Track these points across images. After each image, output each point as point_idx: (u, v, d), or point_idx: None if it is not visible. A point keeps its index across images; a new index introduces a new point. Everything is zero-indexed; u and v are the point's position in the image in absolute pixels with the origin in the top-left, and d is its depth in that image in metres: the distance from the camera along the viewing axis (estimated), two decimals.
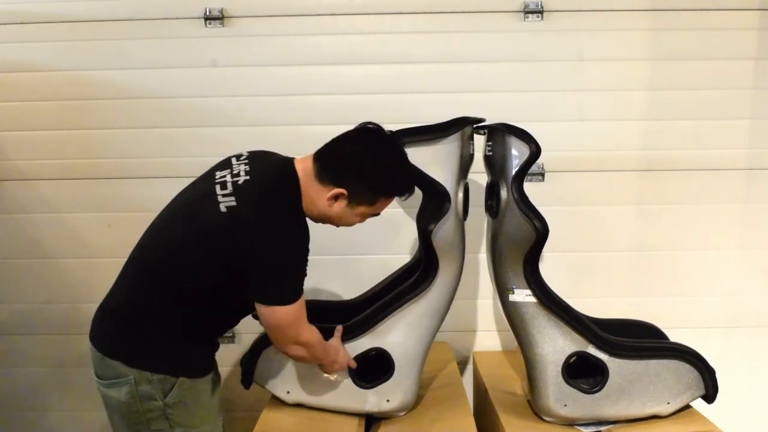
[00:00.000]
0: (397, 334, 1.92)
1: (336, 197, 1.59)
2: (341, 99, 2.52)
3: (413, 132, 1.85)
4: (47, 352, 2.65)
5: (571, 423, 1.96)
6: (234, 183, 1.55)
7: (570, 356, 1.92)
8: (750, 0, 2.46)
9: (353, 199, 1.60)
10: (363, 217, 1.68)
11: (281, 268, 1.54)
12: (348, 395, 1.94)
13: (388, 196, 1.66)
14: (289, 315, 1.58)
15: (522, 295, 1.92)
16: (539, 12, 2.46)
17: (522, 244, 1.88)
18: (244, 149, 1.76)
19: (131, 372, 1.53)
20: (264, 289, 1.54)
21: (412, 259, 2.20)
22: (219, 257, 1.51)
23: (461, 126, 1.87)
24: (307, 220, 1.63)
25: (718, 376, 1.97)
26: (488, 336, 2.65)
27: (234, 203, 1.51)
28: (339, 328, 1.89)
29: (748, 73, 2.50)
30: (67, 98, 2.52)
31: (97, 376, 1.60)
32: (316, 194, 1.60)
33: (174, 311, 1.56)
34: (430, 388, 2.16)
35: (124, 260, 2.57)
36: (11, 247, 2.60)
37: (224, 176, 1.59)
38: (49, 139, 2.54)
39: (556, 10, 2.47)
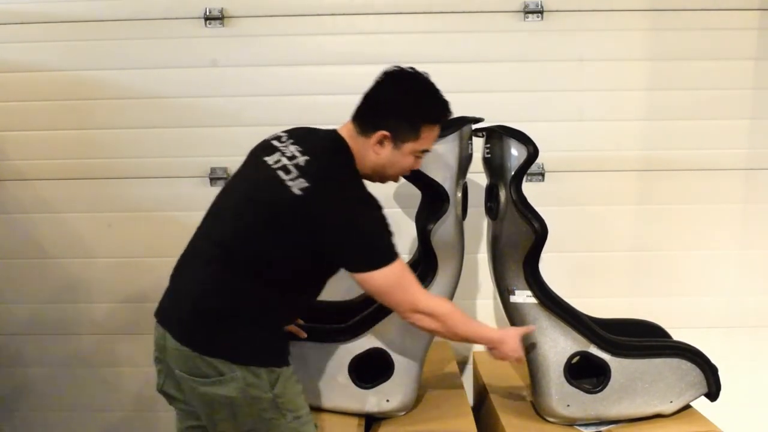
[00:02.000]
0: (397, 334, 1.92)
1: (380, 141, 1.59)
2: (341, 99, 2.47)
3: None
4: (47, 352, 2.65)
5: (574, 423, 1.96)
6: (296, 165, 1.56)
7: (572, 356, 1.92)
8: (750, 0, 2.46)
9: (397, 137, 1.60)
10: (415, 157, 1.65)
11: (369, 232, 1.55)
12: (348, 395, 1.94)
13: (429, 123, 1.62)
14: (389, 277, 1.55)
15: (523, 297, 1.92)
16: (539, 12, 2.46)
17: (522, 245, 1.88)
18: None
19: (237, 368, 1.52)
20: (359, 257, 1.55)
21: (412, 258, 2.20)
22: (303, 240, 1.52)
23: (460, 126, 1.87)
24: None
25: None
26: None
27: (307, 184, 1.51)
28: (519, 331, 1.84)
29: (748, 73, 2.50)
30: (67, 98, 2.52)
31: (193, 375, 1.55)
32: (364, 149, 1.61)
33: (267, 302, 1.57)
34: (430, 388, 2.16)
35: (124, 260, 2.61)
36: (11, 247, 2.60)
37: (279, 160, 1.59)
38: (49, 139, 2.54)
39: (556, 10, 2.47)
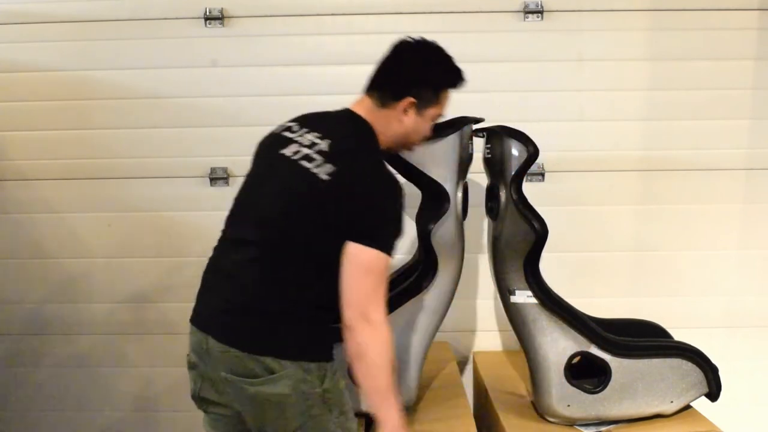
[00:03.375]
0: (397, 334, 1.92)
1: (406, 109, 1.61)
2: (341, 99, 2.48)
3: None
4: (47, 352, 2.65)
5: (575, 423, 1.96)
6: (319, 152, 1.54)
7: (572, 356, 1.92)
8: (750, 0, 2.46)
9: (421, 104, 1.62)
10: (433, 120, 1.69)
11: (387, 215, 1.52)
12: (348, 395, 1.93)
13: (449, 87, 1.68)
14: (377, 262, 1.49)
15: (523, 297, 1.92)
16: (539, 12, 2.46)
17: (522, 245, 1.88)
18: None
19: (287, 364, 1.50)
20: (368, 229, 1.50)
21: (412, 258, 2.20)
22: (337, 225, 1.50)
23: (460, 126, 1.87)
24: None
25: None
26: (488, 336, 2.65)
27: (333, 168, 1.51)
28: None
29: (748, 73, 2.50)
30: (67, 98, 2.52)
31: (243, 376, 1.53)
32: (386, 121, 1.62)
33: (313, 295, 1.54)
34: (430, 388, 2.16)
35: (124, 260, 2.61)
36: (11, 247, 2.60)
37: (299, 151, 1.57)
38: (49, 139, 2.54)
39: (556, 10, 2.47)
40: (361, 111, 1.64)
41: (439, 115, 1.70)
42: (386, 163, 1.60)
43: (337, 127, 1.62)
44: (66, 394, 2.69)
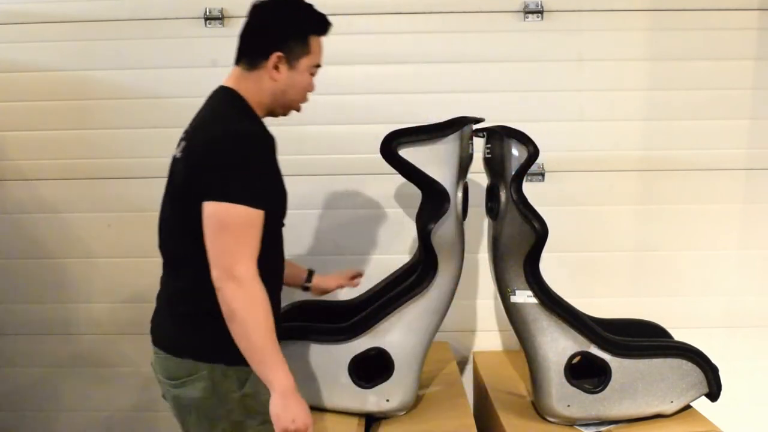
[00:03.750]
0: (397, 334, 1.92)
1: (276, 66, 1.55)
2: (341, 99, 2.52)
3: (412, 132, 1.85)
4: (47, 352, 2.65)
5: (575, 423, 1.96)
6: (183, 136, 1.58)
7: (572, 356, 1.92)
8: (750, 0, 2.46)
9: (291, 56, 1.56)
10: (311, 74, 1.62)
11: (233, 164, 1.43)
12: (348, 395, 1.94)
13: (316, 33, 1.60)
14: (233, 214, 1.40)
15: (523, 297, 1.92)
16: (539, 12, 2.46)
17: (522, 245, 1.88)
18: None
19: (203, 366, 1.49)
20: (211, 187, 1.43)
21: (412, 258, 2.20)
22: (196, 199, 1.45)
23: (460, 126, 1.87)
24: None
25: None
26: (488, 336, 2.65)
27: (185, 143, 1.52)
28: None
29: (748, 73, 2.50)
30: (67, 98, 2.52)
31: (168, 379, 1.54)
32: (258, 83, 1.56)
33: (213, 293, 1.47)
34: (430, 388, 2.16)
35: (124, 260, 2.61)
36: (11, 247, 2.60)
37: (178, 146, 1.59)
38: (49, 139, 2.54)
39: (556, 10, 2.47)
40: (229, 82, 1.60)
41: (317, 66, 1.63)
42: (246, 122, 1.52)
43: (203, 107, 1.61)
44: (66, 394, 2.68)
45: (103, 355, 2.65)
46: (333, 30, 2.46)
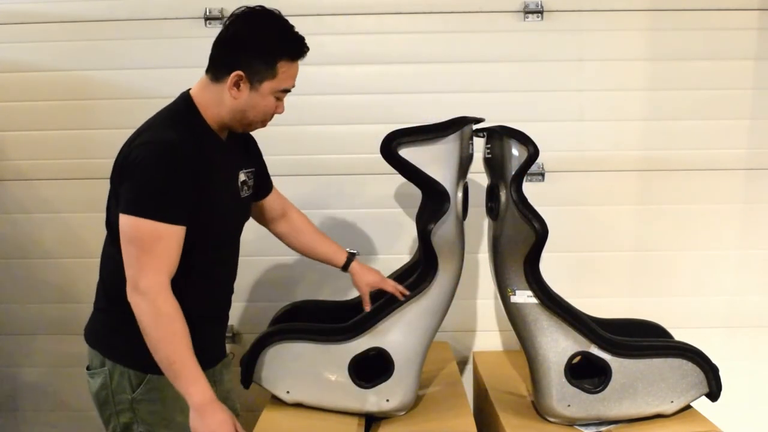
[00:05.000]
0: (397, 334, 1.92)
1: (236, 84, 1.50)
2: (341, 99, 2.52)
3: (412, 132, 1.85)
4: (47, 352, 2.65)
5: (575, 423, 1.96)
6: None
7: (573, 356, 1.92)
8: (750, 0, 2.46)
9: (252, 77, 1.50)
10: (276, 98, 1.56)
11: (145, 176, 1.42)
12: (348, 395, 1.94)
13: (286, 59, 1.52)
14: (137, 227, 1.39)
15: (523, 297, 1.92)
16: (539, 12, 2.46)
17: (522, 245, 1.88)
18: None
19: (107, 363, 1.53)
20: (123, 201, 1.43)
21: (413, 258, 2.20)
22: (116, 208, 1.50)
23: (460, 126, 1.87)
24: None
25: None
26: (488, 336, 2.65)
27: (119, 153, 1.52)
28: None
29: (748, 73, 2.50)
30: (67, 98, 2.52)
31: (87, 367, 1.62)
32: (219, 96, 1.53)
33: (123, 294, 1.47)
34: (430, 388, 2.16)
35: None
36: (11, 247, 2.60)
37: None
38: (49, 139, 2.54)
39: (556, 10, 2.47)
40: (194, 89, 1.58)
41: (285, 90, 1.56)
42: (170, 134, 1.46)
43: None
44: (65, 394, 2.68)
45: None
46: (333, 30, 2.50)
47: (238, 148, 1.71)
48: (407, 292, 1.89)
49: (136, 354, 1.46)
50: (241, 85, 1.51)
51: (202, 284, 1.58)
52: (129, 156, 1.45)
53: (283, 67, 1.53)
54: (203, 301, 1.58)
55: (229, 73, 1.50)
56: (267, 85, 1.52)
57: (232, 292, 1.74)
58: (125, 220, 1.42)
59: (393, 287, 1.89)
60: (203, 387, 1.41)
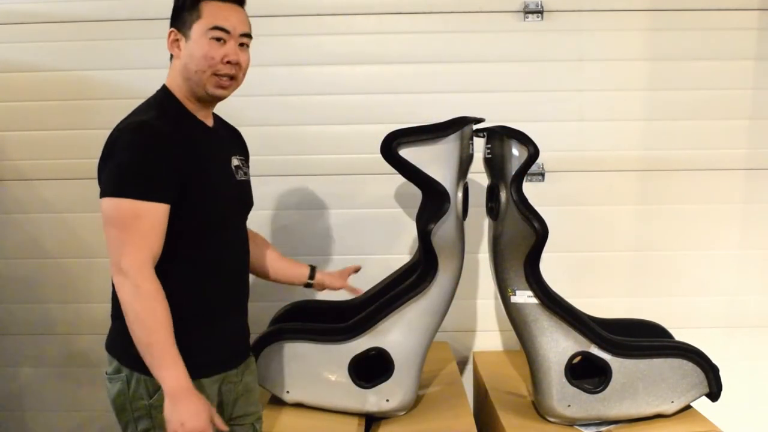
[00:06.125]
0: (397, 334, 1.92)
1: (174, 42, 1.53)
2: (341, 99, 2.52)
3: (412, 132, 1.85)
4: (47, 352, 2.65)
5: (575, 423, 1.96)
6: None
7: (573, 356, 1.92)
8: (750, 0, 2.46)
9: (183, 29, 1.51)
10: (213, 38, 1.50)
11: (120, 157, 1.41)
12: (348, 395, 1.94)
13: None
14: (115, 208, 1.39)
15: (523, 297, 1.92)
16: (539, 12, 2.46)
17: (522, 245, 1.88)
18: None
19: (124, 369, 1.50)
20: (105, 180, 1.44)
21: (413, 258, 2.20)
22: None
23: (461, 126, 1.87)
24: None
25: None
26: (488, 336, 2.65)
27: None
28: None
29: (748, 73, 2.50)
30: (67, 98, 2.52)
31: (105, 372, 1.58)
32: (174, 68, 1.56)
33: None
34: (430, 388, 2.16)
35: None
36: (11, 247, 2.60)
37: None
38: (49, 139, 2.54)
39: (556, 10, 2.47)
40: (167, 77, 1.60)
41: (216, 28, 1.49)
42: (144, 117, 1.46)
43: None
44: (66, 394, 2.68)
45: (103, 355, 2.64)
46: (333, 30, 2.50)
47: (230, 136, 1.73)
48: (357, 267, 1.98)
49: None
50: (179, 42, 1.52)
51: (211, 271, 1.54)
52: (106, 144, 1.46)
53: (206, 6, 1.51)
54: (215, 291, 1.56)
55: (168, 38, 1.53)
56: (196, 28, 1.50)
57: (246, 280, 1.69)
58: (105, 204, 1.42)
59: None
60: (179, 373, 1.37)
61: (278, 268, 1.88)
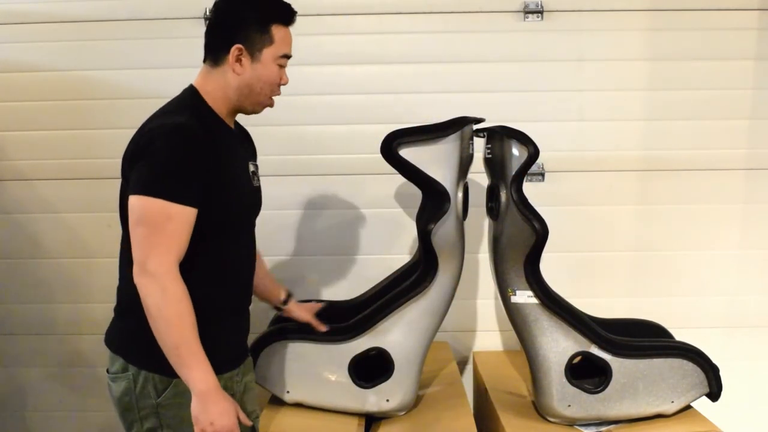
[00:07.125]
0: (397, 334, 1.92)
1: (237, 59, 1.52)
2: (341, 99, 2.52)
3: (413, 132, 1.85)
4: (47, 352, 2.65)
5: (575, 423, 1.96)
6: None
7: (573, 356, 1.92)
8: (750, 0, 2.46)
9: (252, 48, 1.52)
10: (279, 65, 1.56)
11: (157, 158, 1.41)
12: (348, 395, 1.94)
13: (278, 23, 1.54)
14: (147, 207, 1.38)
15: (524, 297, 1.92)
16: (539, 12, 2.47)
17: (522, 245, 1.88)
18: None
19: (130, 368, 1.50)
20: (133, 182, 1.42)
21: (413, 258, 2.20)
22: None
23: (461, 126, 1.87)
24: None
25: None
26: (488, 336, 2.65)
27: (131, 140, 1.51)
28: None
29: (748, 73, 2.50)
30: (67, 98, 2.52)
31: (107, 370, 1.58)
32: (222, 79, 1.54)
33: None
34: (430, 388, 2.16)
35: None
36: (11, 247, 2.60)
37: None
38: (49, 139, 2.54)
39: (556, 10, 2.47)
40: (197, 80, 1.59)
41: (285, 56, 1.57)
42: (179, 118, 1.46)
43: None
44: (66, 394, 2.68)
45: (103, 355, 2.63)
46: (333, 30, 2.50)
47: (246, 142, 1.75)
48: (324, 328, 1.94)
49: (162, 358, 1.43)
50: (243, 59, 1.52)
51: (226, 272, 1.56)
52: (139, 142, 1.45)
53: (277, 31, 1.54)
54: (228, 291, 1.58)
55: (229, 51, 1.51)
56: (267, 53, 1.53)
57: (252, 283, 1.72)
58: (135, 201, 1.40)
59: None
60: (207, 373, 1.39)
61: (260, 284, 1.87)
